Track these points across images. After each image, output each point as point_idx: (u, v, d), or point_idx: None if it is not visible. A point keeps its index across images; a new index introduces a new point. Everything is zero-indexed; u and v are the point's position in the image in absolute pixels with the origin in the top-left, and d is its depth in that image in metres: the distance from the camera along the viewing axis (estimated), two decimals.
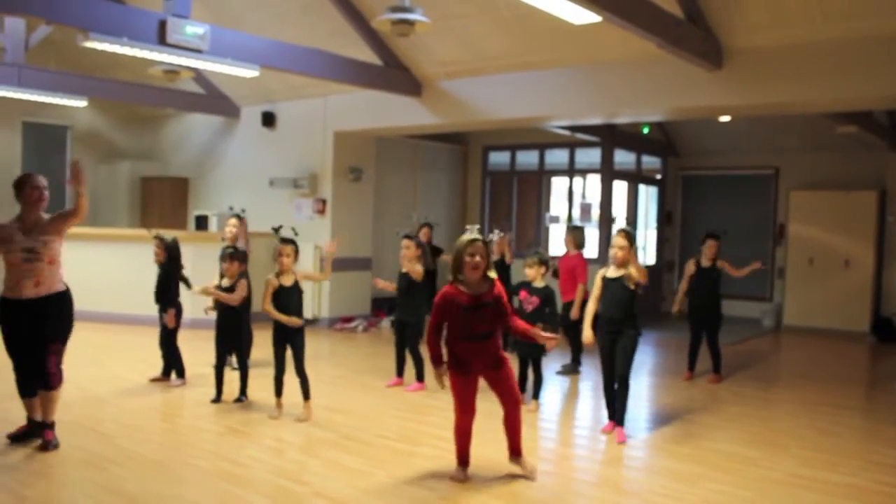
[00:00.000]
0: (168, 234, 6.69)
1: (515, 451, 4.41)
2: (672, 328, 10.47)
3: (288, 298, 5.49)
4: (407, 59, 8.71)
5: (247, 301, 6.14)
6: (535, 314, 5.95)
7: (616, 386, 5.32)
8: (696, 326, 7.23)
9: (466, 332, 4.17)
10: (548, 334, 4.45)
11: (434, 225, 9.48)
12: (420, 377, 6.60)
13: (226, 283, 5.97)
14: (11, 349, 4.69)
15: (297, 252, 5.57)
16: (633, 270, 5.19)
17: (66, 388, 4.87)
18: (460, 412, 4.27)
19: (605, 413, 5.54)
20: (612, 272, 5.31)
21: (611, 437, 5.29)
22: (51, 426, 4.69)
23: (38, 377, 4.67)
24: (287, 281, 5.51)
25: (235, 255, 6.00)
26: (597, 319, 5.40)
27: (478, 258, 4.11)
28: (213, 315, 6.08)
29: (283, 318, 5.44)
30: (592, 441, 5.35)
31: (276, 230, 5.83)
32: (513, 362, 4.40)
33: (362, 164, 10.50)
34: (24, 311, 4.59)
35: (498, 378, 4.27)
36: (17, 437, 4.78)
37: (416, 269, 6.64)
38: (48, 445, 4.62)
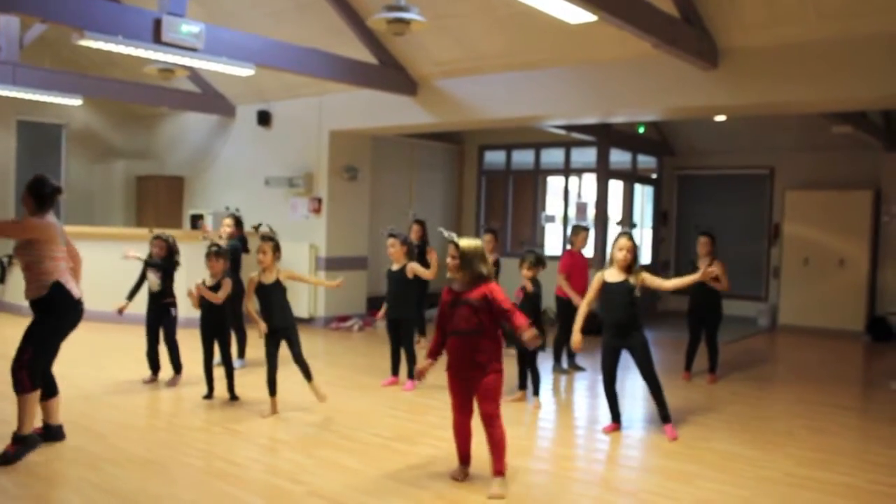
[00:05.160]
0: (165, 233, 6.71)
1: (494, 471, 4.16)
2: (668, 328, 10.48)
3: (268, 296, 5.54)
4: (403, 58, 8.70)
5: (233, 299, 6.15)
6: (520, 306, 5.98)
7: (649, 387, 5.35)
8: (696, 326, 7.20)
9: (450, 327, 4.21)
10: (530, 334, 4.13)
11: (424, 221, 9.42)
12: (412, 374, 6.59)
13: (210, 281, 5.98)
14: None
15: (277, 250, 5.58)
16: (645, 277, 5.23)
17: (62, 386, 4.85)
18: (454, 411, 4.28)
19: (602, 412, 5.55)
20: (613, 276, 5.28)
21: (612, 437, 5.30)
22: (15, 439, 4.47)
23: (46, 381, 4.68)
24: (267, 279, 5.55)
25: (220, 254, 6.02)
26: (593, 321, 5.40)
27: (448, 259, 4.23)
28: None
29: (255, 318, 5.54)
30: (589, 440, 5.35)
31: (256, 228, 5.88)
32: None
33: (358, 163, 10.49)
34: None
35: (477, 386, 4.15)
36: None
37: (415, 267, 6.62)
38: (3, 456, 4.39)
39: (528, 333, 4.08)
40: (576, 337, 5.35)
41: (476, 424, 4.29)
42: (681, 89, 7.15)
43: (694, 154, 12.41)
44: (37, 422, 4.80)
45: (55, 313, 4.58)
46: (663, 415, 5.37)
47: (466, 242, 4.21)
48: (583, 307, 5.39)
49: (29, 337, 4.53)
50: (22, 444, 4.49)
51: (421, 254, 8.84)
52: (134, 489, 4.07)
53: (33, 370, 4.49)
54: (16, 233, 4.61)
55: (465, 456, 4.35)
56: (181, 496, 4.02)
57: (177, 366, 6.54)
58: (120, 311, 6.48)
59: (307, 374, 5.72)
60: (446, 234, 4.47)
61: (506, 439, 4.18)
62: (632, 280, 5.19)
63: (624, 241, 5.22)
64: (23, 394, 4.48)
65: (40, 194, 4.59)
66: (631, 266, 5.21)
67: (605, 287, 5.29)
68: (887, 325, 10.37)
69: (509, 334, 6.17)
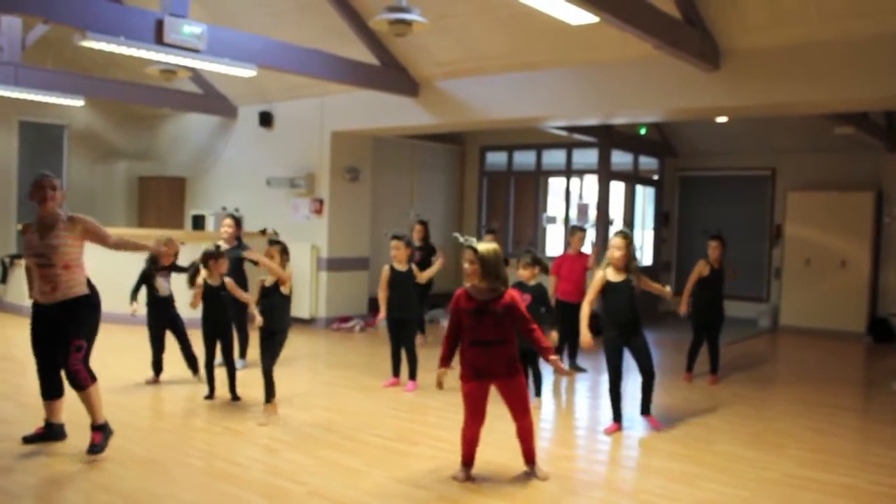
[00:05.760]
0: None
1: (528, 459, 4.42)
2: (669, 328, 10.48)
3: (267, 297, 5.57)
4: (404, 59, 8.71)
5: (235, 300, 6.15)
6: (530, 310, 5.98)
7: (643, 380, 5.44)
8: (700, 328, 7.19)
9: (474, 337, 4.19)
10: (553, 365, 4.40)
11: (427, 221, 9.44)
12: (413, 375, 6.59)
13: (212, 282, 5.98)
14: (34, 351, 4.68)
15: (285, 253, 5.59)
16: (653, 284, 5.26)
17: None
18: (469, 419, 4.27)
19: (603, 413, 5.55)
20: (613, 275, 5.30)
21: (612, 437, 5.30)
22: (95, 428, 4.57)
23: (56, 382, 4.68)
24: (269, 281, 5.59)
25: (221, 255, 6.03)
26: (592, 321, 5.42)
27: (465, 265, 4.19)
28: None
29: (254, 312, 5.60)
30: (590, 441, 5.35)
31: (262, 232, 5.89)
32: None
33: (359, 164, 10.49)
34: (44, 316, 4.59)
35: (507, 387, 4.24)
36: (32, 439, 4.75)
37: (417, 272, 6.65)
38: (93, 448, 4.52)
39: (556, 362, 4.31)
40: (585, 336, 5.34)
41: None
42: (682, 91, 7.15)
43: (695, 155, 12.40)
44: (55, 422, 4.85)
45: (94, 309, 4.63)
46: (647, 406, 5.43)
47: (485, 247, 4.16)
48: (585, 307, 5.42)
49: (75, 334, 4.50)
50: (102, 431, 4.58)
51: (427, 255, 8.91)
52: (135, 489, 4.08)
53: (87, 364, 4.56)
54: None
55: (469, 459, 4.36)
56: (182, 496, 4.02)
57: (196, 367, 6.57)
58: (134, 314, 6.47)
59: (269, 391, 5.53)
60: (462, 238, 4.45)
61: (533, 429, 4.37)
62: (632, 279, 5.22)
63: (618, 241, 5.27)
64: (85, 389, 4.53)
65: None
66: (630, 265, 5.25)
67: (608, 286, 5.31)
68: (889, 326, 10.36)
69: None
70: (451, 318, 4.28)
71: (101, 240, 4.64)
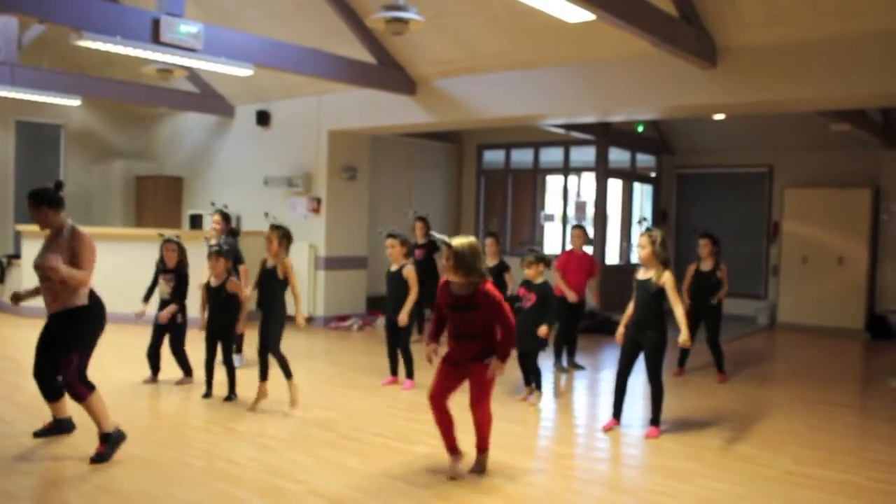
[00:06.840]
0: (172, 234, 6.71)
1: (479, 447, 4.41)
2: (670, 327, 10.46)
3: (263, 279, 5.68)
4: (401, 57, 8.70)
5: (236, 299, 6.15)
6: (533, 310, 6.00)
7: (650, 387, 5.34)
8: (693, 324, 7.19)
9: (453, 330, 4.27)
10: (493, 367, 4.26)
11: (426, 217, 9.40)
12: (410, 375, 6.59)
13: (214, 282, 5.98)
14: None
15: (281, 238, 5.63)
16: (666, 282, 5.16)
17: None
18: (435, 392, 4.33)
19: (602, 411, 5.53)
20: (640, 273, 5.32)
21: (611, 435, 5.30)
22: (102, 438, 4.52)
23: (52, 386, 4.66)
24: (269, 263, 5.66)
25: (222, 253, 6.01)
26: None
27: (443, 261, 4.23)
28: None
29: (244, 288, 5.73)
30: (589, 439, 5.35)
31: (266, 215, 6.04)
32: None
33: (357, 162, 10.49)
34: (47, 324, 4.57)
35: (471, 372, 4.27)
36: (42, 433, 4.84)
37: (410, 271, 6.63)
38: (97, 457, 4.44)
39: (498, 368, 4.21)
40: (618, 332, 5.42)
41: (471, 424, 4.34)
42: (680, 88, 7.15)
43: (693, 153, 12.41)
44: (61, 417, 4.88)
45: (95, 320, 4.59)
46: (653, 417, 5.35)
47: (459, 241, 4.19)
48: (630, 306, 5.39)
49: (66, 346, 4.47)
50: (108, 440, 4.54)
51: (430, 252, 8.87)
52: (134, 489, 4.07)
53: (83, 375, 4.54)
54: (92, 258, 4.53)
55: (452, 446, 4.36)
56: (181, 496, 4.01)
57: (186, 370, 6.55)
58: (138, 316, 6.44)
59: (286, 370, 5.73)
60: (437, 236, 4.49)
61: (491, 420, 4.38)
62: (653, 279, 5.17)
63: (641, 240, 5.25)
64: (85, 400, 4.51)
65: (56, 200, 4.52)
66: (658, 263, 5.16)
67: (634, 283, 5.34)
68: (886, 323, 10.38)
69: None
70: (436, 303, 4.38)
71: (78, 266, 4.47)
